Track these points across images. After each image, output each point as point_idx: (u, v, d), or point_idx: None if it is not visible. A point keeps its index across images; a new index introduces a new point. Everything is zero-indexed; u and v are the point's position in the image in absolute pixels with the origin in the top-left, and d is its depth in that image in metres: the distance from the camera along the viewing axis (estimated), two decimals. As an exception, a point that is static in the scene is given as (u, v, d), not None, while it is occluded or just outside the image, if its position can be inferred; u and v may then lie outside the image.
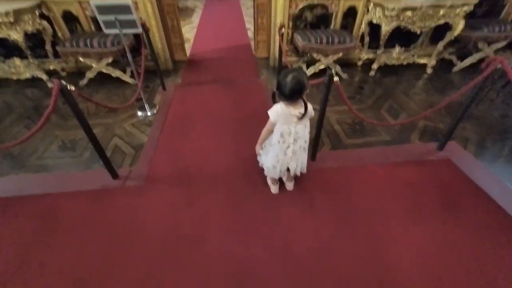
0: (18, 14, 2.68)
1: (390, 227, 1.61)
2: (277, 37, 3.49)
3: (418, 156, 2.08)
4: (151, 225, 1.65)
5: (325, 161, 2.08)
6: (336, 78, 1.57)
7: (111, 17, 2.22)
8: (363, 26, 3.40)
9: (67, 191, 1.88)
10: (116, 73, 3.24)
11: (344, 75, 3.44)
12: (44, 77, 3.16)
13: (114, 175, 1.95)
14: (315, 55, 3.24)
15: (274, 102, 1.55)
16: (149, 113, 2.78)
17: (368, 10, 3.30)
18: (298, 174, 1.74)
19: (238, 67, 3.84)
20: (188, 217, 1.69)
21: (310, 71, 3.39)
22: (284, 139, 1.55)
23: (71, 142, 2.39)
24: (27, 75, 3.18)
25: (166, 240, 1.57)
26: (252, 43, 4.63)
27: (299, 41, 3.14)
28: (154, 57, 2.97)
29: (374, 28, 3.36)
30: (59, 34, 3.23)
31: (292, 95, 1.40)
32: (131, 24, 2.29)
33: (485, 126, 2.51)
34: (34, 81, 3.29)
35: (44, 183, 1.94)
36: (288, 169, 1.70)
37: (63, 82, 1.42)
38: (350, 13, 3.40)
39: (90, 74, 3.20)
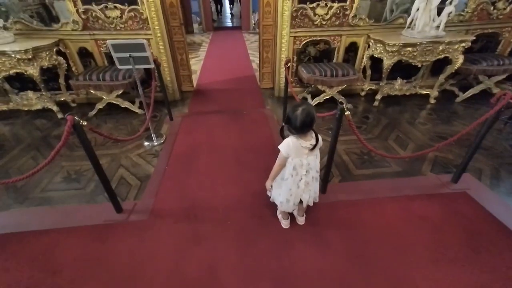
0: (36, 52, 2.83)
1: (410, 266, 1.49)
2: (282, 70, 3.63)
3: (432, 189, 2.01)
4: (155, 265, 1.54)
5: (336, 193, 2.01)
6: (347, 112, 1.57)
7: (125, 54, 2.32)
8: (364, 59, 3.54)
9: (68, 227, 1.80)
10: (125, 103, 3.32)
11: (349, 105, 3.50)
12: (55, 108, 3.23)
13: (118, 208, 1.89)
14: (320, 87, 3.33)
15: (283, 136, 1.54)
16: (155, 143, 2.78)
17: (368, 46, 3.46)
18: (311, 204, 1.67)
19: (243, 97, 3.93)
20: (194, 257, 1.59)
21: (315, 101, 3.45)
22: (297, 172, 1.52)
23: (77, 173, 2.36)
24: (38, 106, 3.26)
25: (171, 283, 1.45)
26: (257, 74, 4.80)
27: (304, 73, 3.25)
28: (163, 88, 3.06)
29: (376, 61, 3.49)
30: (73, 69, 3.38)
31: (303, 127, 1.39)
32: (144, 60, 2.39)
33: (496, 157, 2.47)
34: (44, 112, 3.36)
35: (45, 218, 1.87)
36: (300, 201, 1.64)
37: (76, 118, 1.43)
38: (352, 48, 3.57)
39: (99, 105, 3.28)
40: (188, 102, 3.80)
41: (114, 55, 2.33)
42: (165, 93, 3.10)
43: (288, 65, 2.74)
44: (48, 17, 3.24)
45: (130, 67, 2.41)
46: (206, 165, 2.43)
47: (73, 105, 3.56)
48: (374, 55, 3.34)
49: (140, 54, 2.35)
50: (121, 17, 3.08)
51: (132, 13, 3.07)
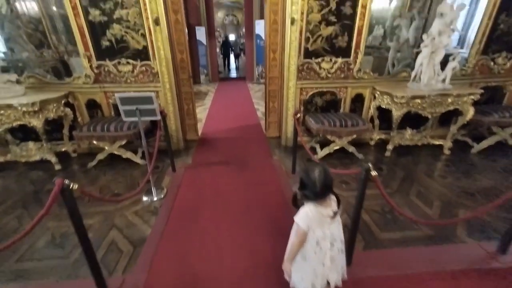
0: (44, 104, 2.83)
1: None
2: (290, 119, 3.59)
3: (479, 262, 1.70)
4: None
5: (363, 267, 1.70)
6: (374, 173, 1.39)
7: (132, 107, 2.28)
8: (371, 110, 3.53)
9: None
10: (127, 154, 3.20)
11: (360, 155, 3.35)
12: (53, 159, 3.10)
13: (102, 287, 1.56)
14: (329, 137, 3.24)
15: (296, 205, 1.33)
16: (155, 198, 2.55)
17: (374, 97, 3.49)
18: (340, 284, 1.36)
19: (249, 147, 3.83)
20: None
21: (324, 152, 3.32)
22: (321, 247, 1.26)
23: (62, 236, 2.08)
24: (37, 157, 3.13)
25: None
26: (262, 123, 4.80)
27: (313, 124, 3.19)
28: (168, 138, 2.97)
29: (383, 111, 3.47)
30: (79, 119, 3.36)
31: (324, 191, 1.21)
32: (151, 112, 2.34)
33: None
34: (42, 163, 3.21)
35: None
36: (328, 283, 1.34)
37: (66, 181, 1.25)
38: (358, 99, 3.59)
39: (100, 156, 3.16)
40: (192, 151, 3.69)
41: (121, 108, 2.28)
42: (169, 144, 2.99)
43: (298, 116, 2.68)
44: (64, 71, 3.37)
45: (135, 119, 2.34)
46: (210, 225, 2.16)
47: (74, 155, 3.44)
48: (382, 106, 3.33)
49: (148, 106, 2.30)
50: (132, 71, 3.17)
51: (143, 68, 3.17)
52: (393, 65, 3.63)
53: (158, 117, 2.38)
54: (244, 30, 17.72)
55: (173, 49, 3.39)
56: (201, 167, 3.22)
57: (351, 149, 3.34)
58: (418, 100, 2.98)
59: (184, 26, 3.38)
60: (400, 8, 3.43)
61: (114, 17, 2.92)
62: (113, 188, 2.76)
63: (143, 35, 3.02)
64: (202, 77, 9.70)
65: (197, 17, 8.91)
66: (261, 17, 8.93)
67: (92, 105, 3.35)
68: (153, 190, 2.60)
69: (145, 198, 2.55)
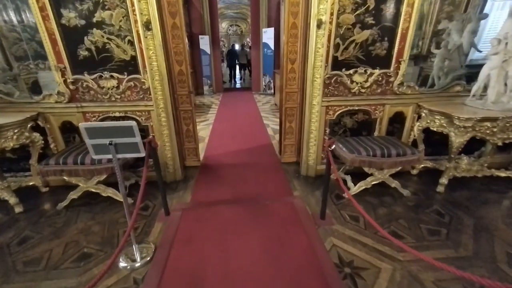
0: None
1: None
2: (312, 144, 2.91)
3: None
4: None
5: None
6: None
7: (104, 141, 1.61)
8: (415, 132, 2.83)
9: None
10: (107, 192, 2.52)
11: (405, 192, 2.62)
12: (12, 200, 2.42)
13: None
14: (366, 169, 2.53)
15: None
16: (138, 263, 1.85)
17: (419, 117, 2.80)
18: None
19: (262, 177, 3.12)
20: None
21: (359, 187, 2.61)
22: None
23: None
24: (-8, 197, 2.47)
25: None
26: (275, 143, 4.12)
27: (345, 153, 2.48)
28: (159, 174, 2.28)
29: (428, 133, 2.78)
30: (52, 146, 2.71)
31: None
32: (132, 147, 1.67)
33: None
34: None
35: None
36: None
37: None
38: (397, 119, 2.90)
39: (73, 195, 2.48)
40: (192, 184, 2.99)
41: (89, 142, 1.62)
42: (161, 181, 2.31)
43: (332, 147, 1.99)
44: (35, 88, 2.75)
45: (109, 156, 1.67)
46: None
47: (45, 190, 2.77)
48: (432, 128, 2.63)
49: (127, 140, 1.64)
50: (118, 87, 2.54)
51: (132, 83, 2.54)
52: (438, 78, 2.95)
53: (142, 154, 1.70)
54: (248, 39, 17.41)
55: (169, 59, 2.76)
56: (202, 209, 2.52)
57: (394, 183, 2.62)
58: (488, 124, 2.28)
59: (184, 32, 2.77)
60: (451, 9, 2.78)
61: (94, 20, 2.31)
62: (84, 243, 2.06)
63: (131, 43, 2.40)
64: (206, 88, 9.14)
65: (201, 26, 8.44)
66: (269, 25, 8.42)
67: (69, 129, 2.70)
68: (135, 249, 1.90)
69: (123, 264, 1.84)
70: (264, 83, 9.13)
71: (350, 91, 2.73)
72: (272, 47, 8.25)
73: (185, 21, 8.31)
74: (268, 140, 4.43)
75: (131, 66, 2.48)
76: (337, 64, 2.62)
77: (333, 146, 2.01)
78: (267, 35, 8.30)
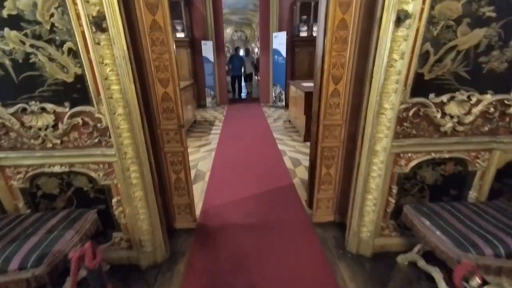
0: None
1: None
2: (370, 208, 1.85)
3: None
4: None
5: None
6: None
7: None
8: (541, 194, 1.76)
9: None
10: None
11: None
12: None
13: None
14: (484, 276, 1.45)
15: None
16: None
17: (551, 169, 1.73)
18: None
19: (286, 251, 2.05)
20: None
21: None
22: None
23: None
24: None
25: None
26: (296, 181, 3.06)
27: (444, 244, 1.40)
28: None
29: None
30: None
31: None
32: None
33: None
34: None
35: None
36: None
37: None
38: (510, 171, 1.82)
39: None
40: (182, 268, 1.92)
41: None
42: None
43: (474, 285, 0.94)
44: None
45: None
46: None
47: None
48: None
49: None
50: (55, 126, 1.52)
51: (78, 120, 1.52)
52: None
53: None
54: (253, 45, 16.50)
55: (143, 78, 1.75)
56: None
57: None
58: None
59: (170, 36, 1.75)
60: None
61: (4, 14, 1.32)
62: None
63: (74, 53, 1.39)
64: (209, 100, 8.16)
65: (204, 30, 7.50)
66: (280, 29, 7.44)
67: (-18, 190, 1.70)
68: None
69: None
70: (274, 94, 8.12)
71: (438, 130, 1.68)
72: (284, 54, 7.26)
73: (186, 24, 7.41)
74: (287, 177, 3.36)
75: (76, 92, 1.47)
76: (421, 86, 1.57)
77: (475, 280, 0.96)
78: (278, 40, 7.31)
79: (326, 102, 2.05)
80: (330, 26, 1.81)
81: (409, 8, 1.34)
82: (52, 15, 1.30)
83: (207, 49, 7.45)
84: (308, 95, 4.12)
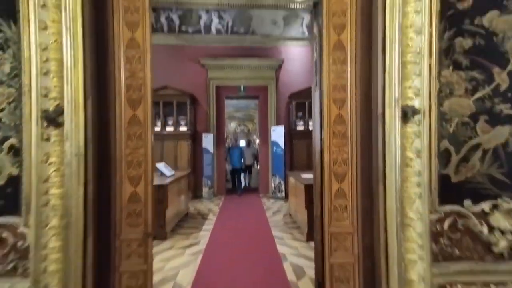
0: None
1: None
2: None
3: None
4: None
5: None
6: None
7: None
8: None
9: None
10: None
11: None
12: None
13: None
14: None
15: None
16: None
17: None
18: None
19: None
20: None
21: None
22: None
23: None
24: None
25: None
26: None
27: None
28: None
29: None
30: None
31: None
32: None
33: None
34: None
35: None
36: None
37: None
38: None
39: None
40: None
41: None
42: None
43: None
44: None
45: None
46: None
47: None
48: None
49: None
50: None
51: (-3, 233, 1.13)
52: None
53: None
54: (254, 136, 17.66)
55: (110, 177, 1.46)
56: None
57: None
58: None
59: (149, 132, 1.58)
60: None
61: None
62: None
63: (15, 151, 1.13)
64: (205, 190, 7.81)
65: (206, 124, 8.01)
66: (278, 123, 7.94)
67: None
68: None
69: None
70: (273, 185, 7.83)
71: (489, 250, 1.22)
72: (282, 145, 7.45)
73: (190, 119, 7.96)
74: (290, 296, 2.58)
75: (3, 197, 1.13)
76: (450, 191, 1.24)
77: None
78: (277, 133, 7.67)
79: (330, 204, 1.67)
80: (326, 121, 1.66)
81: (415, 103, 1.18)
82: (2, 110, 1.13)
83: (208, 141, 7.72)
84: (308, 188, 3.81)
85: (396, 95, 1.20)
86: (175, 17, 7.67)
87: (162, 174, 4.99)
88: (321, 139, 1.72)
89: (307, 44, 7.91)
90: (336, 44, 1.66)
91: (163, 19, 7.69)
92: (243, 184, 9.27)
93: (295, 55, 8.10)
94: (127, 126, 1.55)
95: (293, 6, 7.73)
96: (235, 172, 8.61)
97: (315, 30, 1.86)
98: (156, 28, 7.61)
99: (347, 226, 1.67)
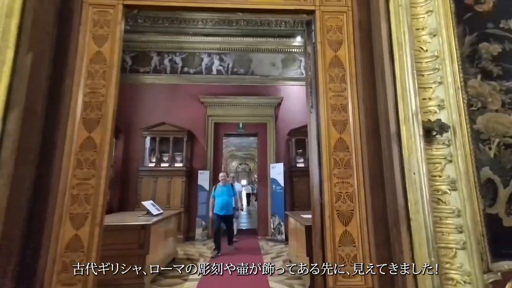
0: None
1: None
2: None
3: None
4: None
5: None
6: None
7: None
8: None
9: None
10: None
11: None
12: None
13: None
14: None
15: None
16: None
17: None
18: None
19: None
20: None
21: None
22: None
23: None
24: None
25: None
26: None
27: None
28: None
29: None
30: None
31: None
32: None
33: None
34: None
35: None
36: None
37: None
38: None
39: None
40: None
41: None
42: None
43: None
44: None
45: None
46: None
47: None
48: None
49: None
50: None
51: None
52: None
53: None
54: (255, 175, 17.22)
55: (45, 216, 1.12)
56: None
57: None
58: None
59: (104, 160, 1.29)
60: None
61: None
62: None
63: None
64: (199, 232, 7.17)
65: (203, 161, 7.73)
66: (277, 161, 7.64)
67: None
68: None
69: None
70: (273, 226, 7.19)
71: None
72: (282, 183, 7.04)
73: (186, 156, 7.69)
74: None
75: None
76: (505, 240, 0.88)
77: None
78: (276, 170, 7.34)
79: (333, 253, 1.28)
80: (325, 147, 1.36)
81: (441, 117, 0.90)
82: None
83: (204, 178, 7.37)
84: (309, 230, 3.33)
85: (414, 108, 0.93)
86: (178, 59, 8.03)
87: (148, 212, 4.53)
88: (320, 169, 1.40)
89: (305, 84, 8.08)
90: (333, 60, 1.45)
91: (166, 61, 8.03)
92: (235, 231, 6.74)
93: (294, 93, 8.21)
94: (78, 150, 1.26)
95: (291, 50, 8.13)
96: (220, 221, 5.55)
97: (309, 49, 1.70)
98: (159, 70, 7.90)
99: (359, 283, 1.24)
